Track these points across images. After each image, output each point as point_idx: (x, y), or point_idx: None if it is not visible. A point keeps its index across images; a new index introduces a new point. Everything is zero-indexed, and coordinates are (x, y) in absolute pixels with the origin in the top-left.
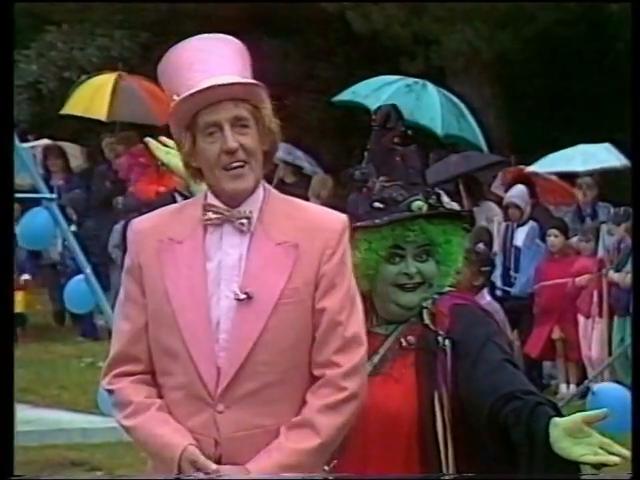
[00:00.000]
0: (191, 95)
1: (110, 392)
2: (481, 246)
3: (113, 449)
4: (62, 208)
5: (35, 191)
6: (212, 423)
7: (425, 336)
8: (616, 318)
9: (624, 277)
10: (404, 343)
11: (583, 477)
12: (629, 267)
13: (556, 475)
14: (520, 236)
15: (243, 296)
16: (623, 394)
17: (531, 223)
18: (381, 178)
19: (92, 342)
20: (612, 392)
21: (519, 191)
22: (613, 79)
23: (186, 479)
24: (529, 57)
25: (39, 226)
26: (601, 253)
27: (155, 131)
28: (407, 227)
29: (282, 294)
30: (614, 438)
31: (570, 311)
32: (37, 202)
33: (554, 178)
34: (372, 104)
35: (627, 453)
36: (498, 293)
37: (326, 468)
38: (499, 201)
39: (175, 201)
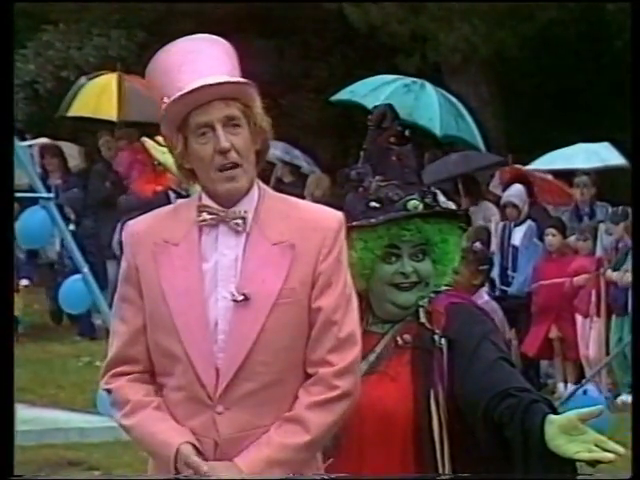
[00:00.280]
0: (181, 96)
1: (108, 392)
2: (478, 245)
3: (111, 448)
4: (60, 207)
5: (33, 190)
6: (211, 424)
7: (421, 335)
8: (614, 317)
9: (622, 276)
10: (400, 342)
11: (583, 477)
12: (627, 266)
13: (554, 475)
14: (518, 235)
15: (240, 297)
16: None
17: (529, 222)
18: (377, 177)
19: (89, 341)
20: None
21: (517, 190)
22: (611, 78)
23: (184, 479)
24: (527, 56)
25: (36, 225)
26: (599, 252)
27: (158, 129)
28: (403, 226)
29: (279, 294)
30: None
31: (567, 310)
32: (35, 201)
33: (552, 177)
34: (370, 103)
35: (622, 450)
36: (496, 292)
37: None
38: (497, 200)
39: (169, 199)
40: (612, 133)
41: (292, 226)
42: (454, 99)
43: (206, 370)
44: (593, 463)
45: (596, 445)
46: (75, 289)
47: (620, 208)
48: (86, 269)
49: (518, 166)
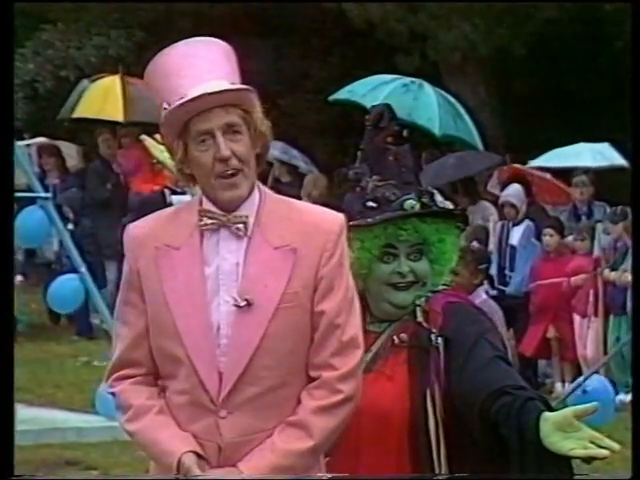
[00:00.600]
0: (181, 104)
1: (112, 395)
2: (475, 244)
3: (109, 448)
4: (58, 207)
5: (30, 190)
6: (215, 428)
7: (418, 334)
8: (611, 317)
9: (620, 276)
10: (397, 341)
11: (583, 477)
12: (625, 266)
13: (554, 475)
14: (516, 235)
15: (243, 303)
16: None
17: (527, 222)
18: (374, 177)
19: (87, 341)
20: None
21: (515, 190)
22: (609, 78)
23: (184, 479)
24: (525, 55)
25: (33, 224)
26: (597, 252)
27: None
28: (400, 226)
29: (282, 299)
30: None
31: (565, 310)
32: (33, 201)
33: (550, 176)
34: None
35: (617, 447)
36: (493, 292)
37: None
38: (495, 200)
39: (165, 197)
40: (611, 133)
41: (294, 229)
42: (452, 99)
43: (209, 374)
44: (588, 460)
45: (591, 442)
46: (64, 289)
47: (618, 208)
48: (84, 269)
49: (518, 165)
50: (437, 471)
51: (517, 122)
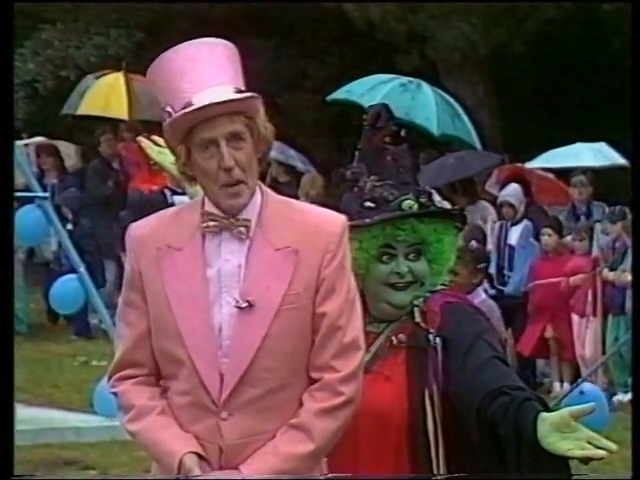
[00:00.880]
0: (187, 113)
1: (115, 395)
2: (474, 244)
3: (107, 448)
4: (57, 207)
5: (29, 190)
6: (216, 430)
7: (416, 334)
8: (610, 317)
9: (619, 276)
10: (395, 341)
11: (582, 477)
12: (624, 266)
13: (554, 475)
14: (514, 235)
15: (245, 304)
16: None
17: (525, 222)
18: (372, 177)
19: (86, 341)
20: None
21: (513, 190)
22: (607, 78)
23: (183, 479)
24: (523, 55)
25: (30, 224)
26: (595, 252)
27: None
28: (398, 226)
29: (283, 300)
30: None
31: (563, 310)
32: (31, 201)
33: (549, 176)
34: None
35: (614, 447)
36: (492, 292)
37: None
38: (493, 200)
39: (165, 197)
40: (609, 133)
41: (295, 230)
42: (451, 98)
43: (210, 376)
44: (586, 460)
45: (589, 442)
46: (66, 289)
47: (617, 208)
48: (82, 269)
49: (518, 164)
50: (435, 471)
51: (516, 122)
